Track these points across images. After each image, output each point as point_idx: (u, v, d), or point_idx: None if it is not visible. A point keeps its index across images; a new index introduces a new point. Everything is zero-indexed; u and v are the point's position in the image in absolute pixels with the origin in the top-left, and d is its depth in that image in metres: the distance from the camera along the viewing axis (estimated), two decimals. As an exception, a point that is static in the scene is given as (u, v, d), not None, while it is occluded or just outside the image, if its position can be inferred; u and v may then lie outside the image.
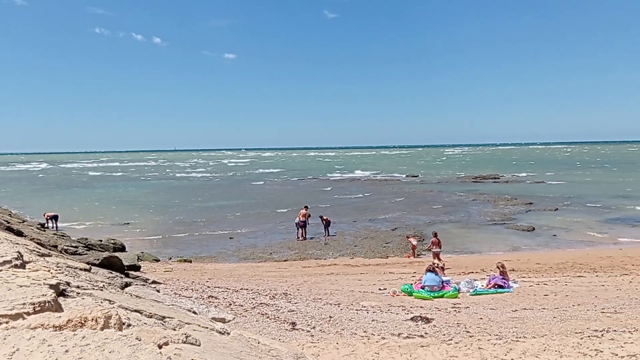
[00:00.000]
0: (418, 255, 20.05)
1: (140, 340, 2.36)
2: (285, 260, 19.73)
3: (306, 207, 25.06)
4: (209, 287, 11.26)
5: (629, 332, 7.31)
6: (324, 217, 25.19)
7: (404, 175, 68.62)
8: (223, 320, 5.85)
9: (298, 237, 24.15)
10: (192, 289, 10.56)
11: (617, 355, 6.13)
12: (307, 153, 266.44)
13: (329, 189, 51.37)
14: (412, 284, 13.27)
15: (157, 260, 18.64)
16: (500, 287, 12.88)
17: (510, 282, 13.27)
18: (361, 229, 26.48)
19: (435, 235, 18.95)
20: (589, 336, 7.15)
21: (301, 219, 24.33)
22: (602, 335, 7.19)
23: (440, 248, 18.72)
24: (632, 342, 6.63)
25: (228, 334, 3.94)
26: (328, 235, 24.66)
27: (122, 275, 9.07)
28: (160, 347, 2.41)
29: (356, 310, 9.71)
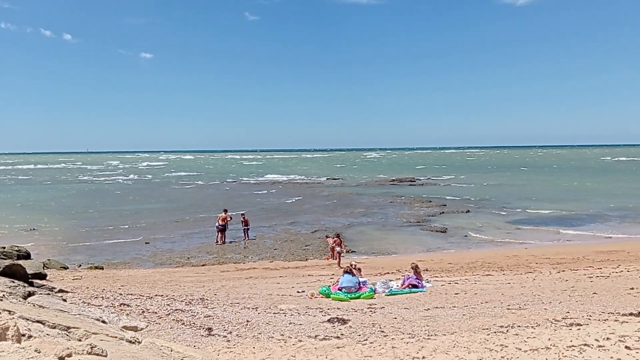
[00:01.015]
0: (336, 257, 20.39)
1: (40, 352, 2.26)
2: (203, 265, 19.34)
3: (225, 211, 24.75)
4: (121, 294, 10.82)
5: (532, 327, 7.70)
6: (245, 217, 25.05)
7: (325, 178, 69.55)
8: (135, 329, 5.67)
9: (217, 241, 23.78)
10: (102, 297, 10.10)
11: (520, 349, 6.45)
12: (226, 156, 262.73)
13: (249, 192, 51.03)
14: (330, 286, 13.43)
15: (66, 268, 17.63)
16: (415, 286, 13.29)
17: (423, 282, 13.72)
18: (281, 232, 26.51)
19: (338, 236, 19.88)
20: (495, 332, 7.45)
21: (220, 223, 24.00)
22: (507, 330, 7.52)
23: (340, 248, 19.35)
24: (534, 337, 6.99)
25: (139, 342, 3.84)
26: (247, 239, 24.48)
27: (26, 285, 8.52)
28: (62, 359, 2.31)
29: (274, 313, 9.69)
